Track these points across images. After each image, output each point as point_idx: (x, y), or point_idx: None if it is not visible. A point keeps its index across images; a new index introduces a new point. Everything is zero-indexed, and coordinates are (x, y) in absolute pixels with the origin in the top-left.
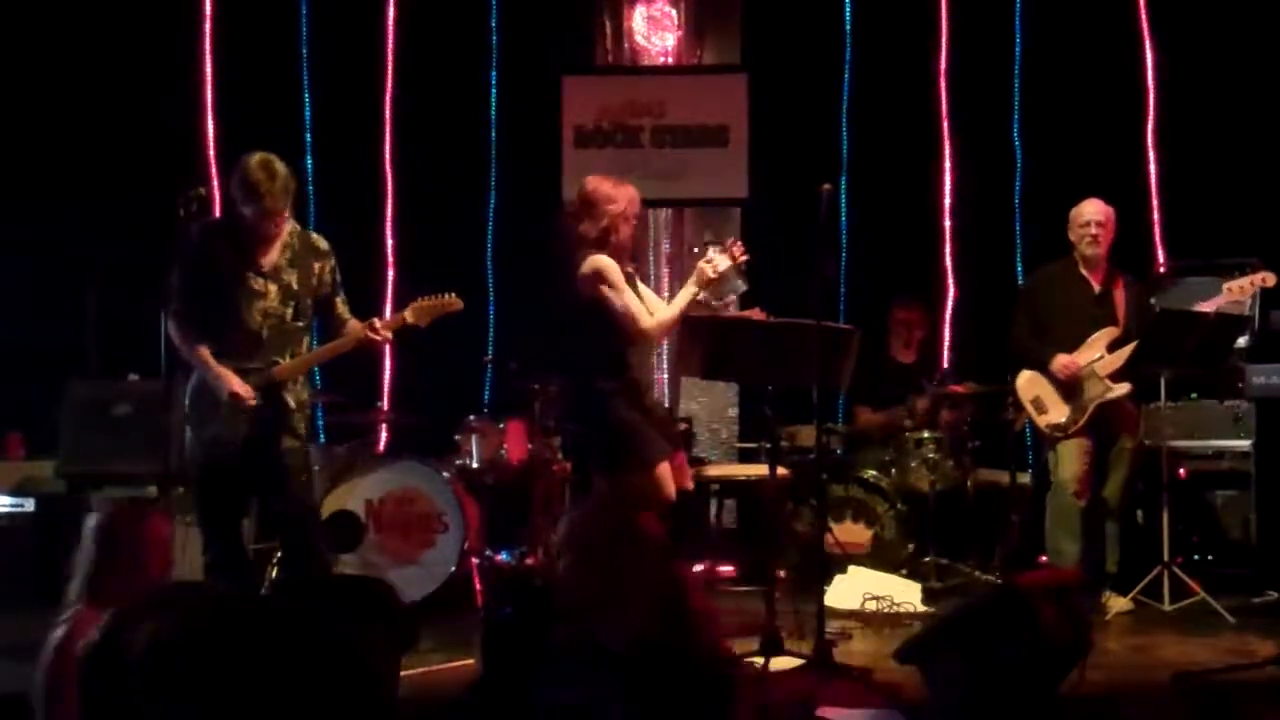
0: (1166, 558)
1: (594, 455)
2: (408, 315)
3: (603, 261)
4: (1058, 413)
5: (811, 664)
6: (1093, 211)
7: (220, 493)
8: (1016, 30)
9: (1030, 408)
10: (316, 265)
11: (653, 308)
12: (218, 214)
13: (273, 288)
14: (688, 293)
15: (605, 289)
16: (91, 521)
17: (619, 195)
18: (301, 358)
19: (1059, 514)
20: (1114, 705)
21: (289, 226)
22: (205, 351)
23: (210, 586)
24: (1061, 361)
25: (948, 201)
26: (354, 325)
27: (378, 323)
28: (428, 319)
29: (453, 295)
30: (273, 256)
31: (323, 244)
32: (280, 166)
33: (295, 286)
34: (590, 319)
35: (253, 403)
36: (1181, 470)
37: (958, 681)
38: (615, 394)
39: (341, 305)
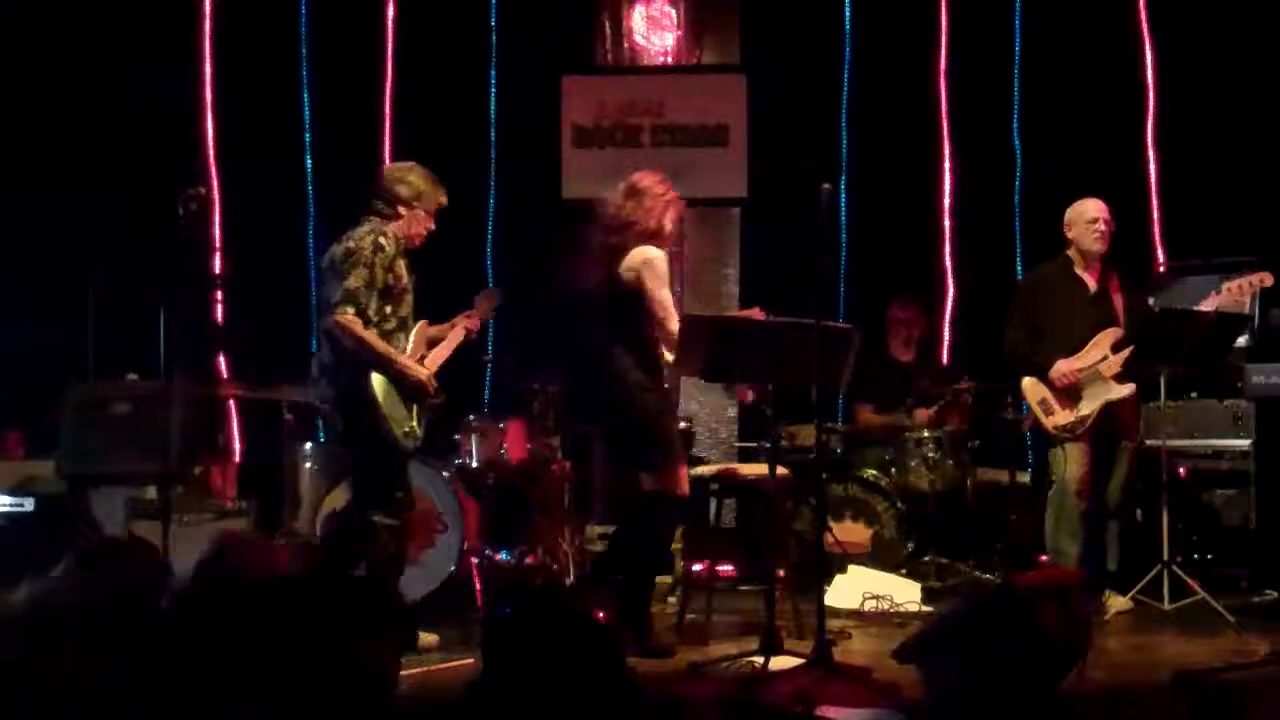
0: (1166, 557)
1: (633, 452)
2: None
3: (652, 253)
4: (1065, 415)
5: (811, 663)
6: (1098, 208)
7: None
8: (1016, 30)
9: (1038, 409)
10: None
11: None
12: (217, 215)
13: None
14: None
15: (650, 281)
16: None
17: (666, 188)
18: (438, 350)
19: (1060, 514)
20: (1114, 705)
21: None
22: (390, 349)
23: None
24: (1060, 369)
25: (947, 201)
26: (457, 322)
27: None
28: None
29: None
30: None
31: None
32: None
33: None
34: (625, 311)
35: (435, 394)
36: (1181, 469)
37: (957, 681)
38: (649, 389)
39: None
